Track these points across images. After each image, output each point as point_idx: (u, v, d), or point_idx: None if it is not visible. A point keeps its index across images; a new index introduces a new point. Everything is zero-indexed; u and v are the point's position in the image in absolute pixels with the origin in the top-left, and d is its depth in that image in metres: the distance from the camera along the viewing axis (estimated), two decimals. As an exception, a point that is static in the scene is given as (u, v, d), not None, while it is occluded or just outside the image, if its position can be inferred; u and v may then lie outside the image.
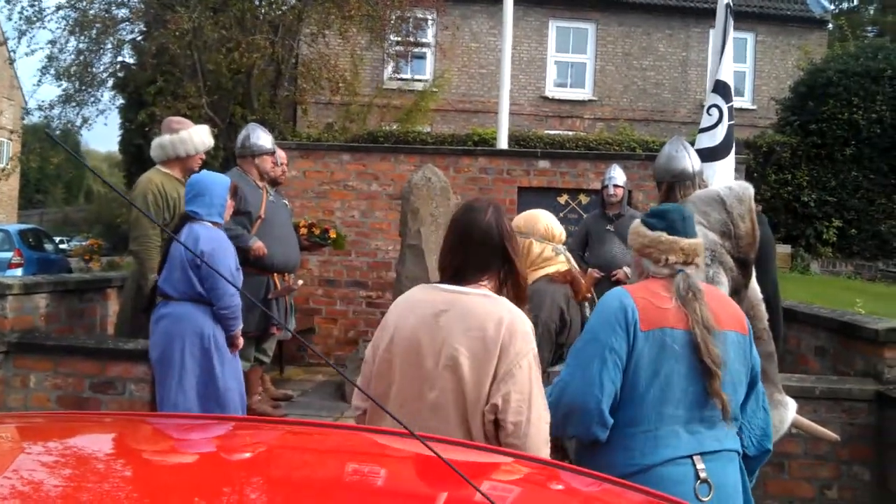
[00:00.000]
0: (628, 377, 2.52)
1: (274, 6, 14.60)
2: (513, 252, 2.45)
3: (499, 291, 2.43)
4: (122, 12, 15.24)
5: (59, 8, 14.74)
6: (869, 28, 30.32)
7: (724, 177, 4.99)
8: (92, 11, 14.57)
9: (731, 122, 5.24)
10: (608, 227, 6.61)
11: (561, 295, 3.64)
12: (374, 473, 1.67)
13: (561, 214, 7.65)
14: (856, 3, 34.47)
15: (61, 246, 22.76)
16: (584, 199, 8.13)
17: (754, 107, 21.09)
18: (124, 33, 15.85)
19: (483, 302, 2.35)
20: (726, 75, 5.32)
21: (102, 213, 36.45)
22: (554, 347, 3.50)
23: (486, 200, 2.55)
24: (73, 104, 15.39)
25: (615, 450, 2.51)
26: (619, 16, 21.37)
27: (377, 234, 8.17)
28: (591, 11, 21.22)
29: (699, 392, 2.50)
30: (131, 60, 17.13)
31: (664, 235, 2.67)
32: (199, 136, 5.52)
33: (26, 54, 15.28)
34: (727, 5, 5.42)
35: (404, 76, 17.95)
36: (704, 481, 2.46)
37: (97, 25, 14.51)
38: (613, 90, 21.42)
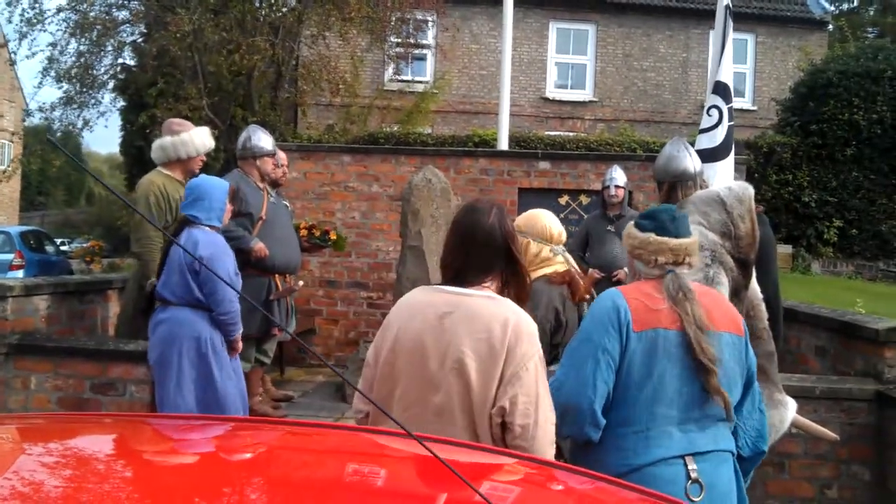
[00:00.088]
0: (621, 378, 2.52)
1: (274, 8, 14.62)
2: (516, 253, 2.45)
3: (501, 292, 2.42)
4: (123, 14, 15.28)
5: (59, 10, 14.78)
6: (869, 29, 30.30)
7: (724, 177, 4.99)
8: (92, 13, 14.60)
9: (731, 123, 5.24)
10: (609, 228, 6.61)
11: (557, 295, 3.65)
12: (373, 474, 1.67)
13: (562, 215, 7.64)
14: (856, 4, 34.44)
15: (62, 248, 22.76)
16: (584, 199, 8.13)
17: (755, 108, 21.09)
18: (125, 35, 15.88)
19: (488, 304, 2.34)
20: (726, 76, 5.33)
21: (103, 215, 36.46)
22: (549, 348, 3.51)
23: (488, 201, 2.54)
24: (74, 106, 15.40)
25: (608, 450, 2.52)
26: (620, 17, 21.38)
27: (378, 235, 8.17)
28: (592, 13, 21.23)
29: (692, 392, 2.51)
30: (132, 62, 17.15)
31: (653, 236, 2.68)
32: (199, 138, 5.52)
33: (27, 56, 15.36)
34: (727, 7, 5.43)
35: (405, 78, 17.96)
36: (696, 481, 2.46)
37: (98, 27, 14.53)
38: (614, 91, 21.42)
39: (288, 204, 6.30)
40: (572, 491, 1.72)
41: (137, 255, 5.31)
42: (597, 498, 1.69)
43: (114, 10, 15.05)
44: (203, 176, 4.76)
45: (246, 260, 5.40)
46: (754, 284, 3.72)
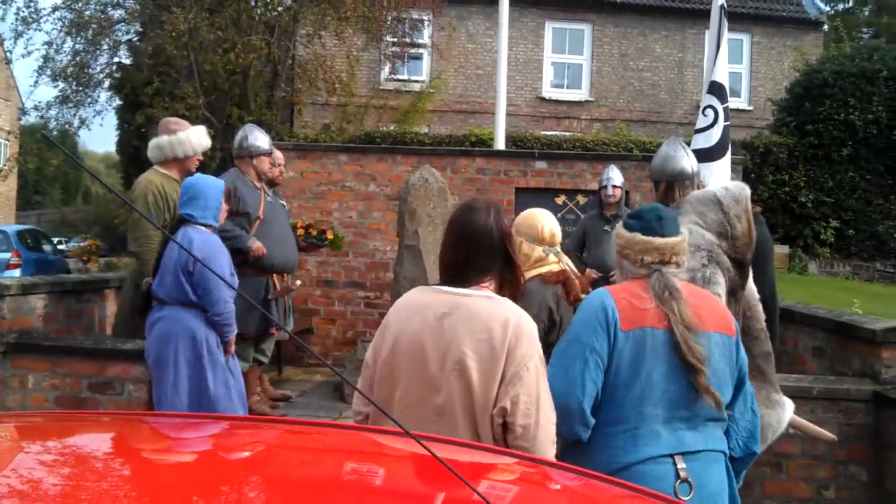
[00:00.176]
0: (609, 377, 2.53)
1: (270, 7, 14.60)
2: (512, 252, 2.45)
3: (499, 292, 2.42)
4: (118, 13, 15.23)
5: (55, 9, 14.74)
6: (864, 29, 30.34)
7: (720, 177, 5.00)
8: (88, 12, 14.57)
9: (727, 123, 5.26)
10: (605, 228, 6.62)
11: (550, 295, 3.67)
12: (372, 473, 1.67)
13: (558, 215, 7.62)
14: (851, 4, 34.48)
15: (59, 247, 22.72)
16: (581, 199, 8.14)
17: (751, 108, 21.11)
18: (120, 34, 15.85)
19: (487, 304, 2.34)
20: (721, 76, 5.34)
21: (100, 214, 36.39)
22: (544, 347, 3.52)
23: (484, 200, 2.55)
24: (70, 105, 15.38)
25: (597, 449, 2.52)
26: (615, 17, 21.38)
27: (375, 234, 8.17)
28: (588, 13, 21.23)
29: (680, 391, 2.51)
30: (128, 61, 17.11)
31: (639, 236, 2.68)
32: (196, 137, 5.52)
33: (23, 55, 15.31)
34: (721, 7, 5.44)
35: (401, 77, 17.95)
36: (685, 480, 2.46)
37: (93, 26, 14.50)
38: (610, 91, 21.43)
39: (285, 203, 6.30)
40: (569, 490, 1.72)
41: (136, 255, 5.30)
42: (589, 495, 1.70)
43: (109, 8, 14.99)
44: (198, 175, 4.75)
45: (244, 259, 5.40)
46: (751, 285, 3.73)
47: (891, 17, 29.90)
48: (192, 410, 4.19)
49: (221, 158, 13.71)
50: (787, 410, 3.65)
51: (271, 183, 5.94)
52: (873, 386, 4.60)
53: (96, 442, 1.75)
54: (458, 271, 2.41)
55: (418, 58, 19.99)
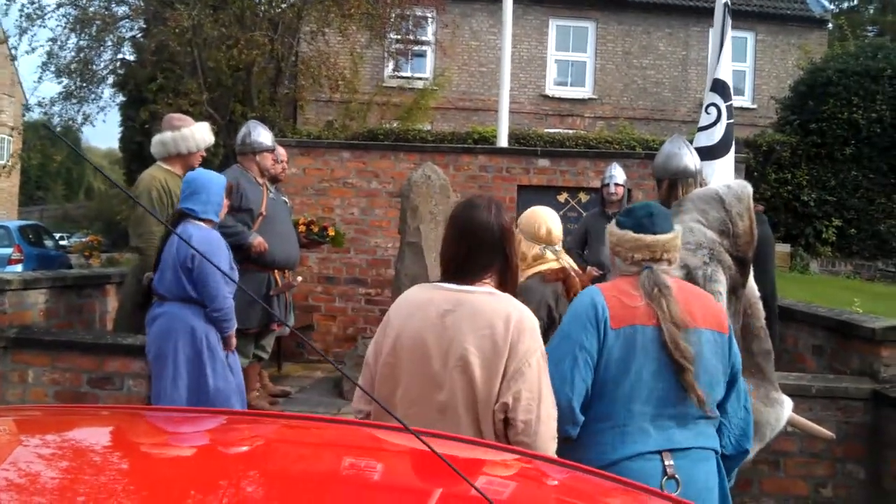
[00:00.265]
0: (599, 374, 2.54)
1: (274, 4, 14.60)
2: (510, 248, 2.45)
3: (499, 288, 2.43)
4: (122, 9, 15.25)
5: (59, 5, 14.76)
6: (869, 27, 30.30)
7: (723, 175, 5.00)
8: (92, 9, 14.60)
9: (730, 121, 5.25)
10: (607, 226, 6.60)
11: (550, 293, 3.68)
12: (370, 468, 1.67)
13: (561, 213, 7.61)
14: (856, 2, 34.43)
15: (61, 242, 22.73)
16: (583, 197, 8.13)
17: (754, 106, 21.09)
18: (124, 30, 15.88)
19: (489, 300, 2.34)
20: (725, 74, 5.33)
21: (102, 210, 36.41)
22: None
23: (485, 197, 2.55)
24: (74, 101, 15.40)
25: (585, 445, 2.53)
26: (619, 14, 21.36)
27: (377, 231, 8.17)
28: (591, 10, 21.21)
29: (669, 389, 2.52)
30: (131, 58, 17.13)
31: (629, 233, 2.70)
32: (200, 134, 5.53)
33: (27, 52, 15.32)
34: (725, 4, 5.43)
35: (404, 74, 17.96)
36: (672, 477, 2.47)
37: (97, 22, 14.53)
38: (613, 89, 21.42)
39: (287, 200, 6.30)
40: (564, 484, 1.73)
41: (139, 250, 5.31)
42: (581, 489, 1.70)
43: (113, 5, 15.03)
44: (200, 169, 4.76)
45: (246, 255, 5.40)
46: (752, 283, 3.73)
47: None
48: (192, 406, 4.20)
49: (224, 155, 13.69)
50: (785, 408, 3.65)
51: (274, 179, 5.94)
52: (872, 384, 4.61)
53: (95, 436, 1.76)
54: (459, 267, 2.42)
55: (422, 55, 20.01)
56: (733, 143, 5.35)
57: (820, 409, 4.52)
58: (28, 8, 14.70)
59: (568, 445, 2.53)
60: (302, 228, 6.41)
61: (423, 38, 18.08)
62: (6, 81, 33.78)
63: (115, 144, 28.77)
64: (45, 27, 14.97)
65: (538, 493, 1.68)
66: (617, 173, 6.78)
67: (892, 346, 4.65)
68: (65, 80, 15.12)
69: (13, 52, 15.63)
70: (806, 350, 5.60)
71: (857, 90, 15.63)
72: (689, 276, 3.42)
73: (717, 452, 2.62)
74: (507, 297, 2.38)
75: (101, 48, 15.24)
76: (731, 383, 2.67)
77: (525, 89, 20.92)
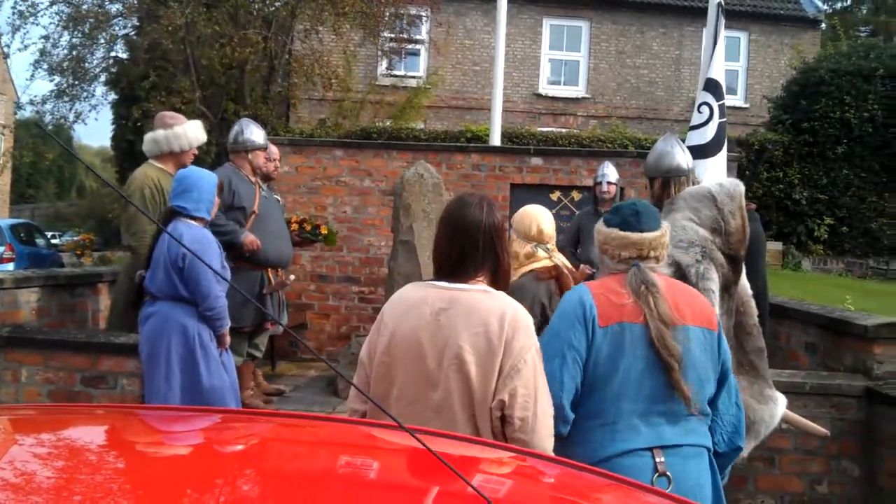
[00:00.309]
0: (588, 372, 2.55)
1: (268, 2, 14.58)
2: (501, 246, 2.45)
3: (492, 286, 2.43)
4: (116, 7, 15.21)
5: (52, 3, 14.71)
6: (861, 28, 30.38)
7: (715, 174, 5.01)
8: (85, 6, 14.55)
9: (722, 120, 5.26)
10: (600, 224, 6.61)
11: (543, 290, 3.69)
12: (365, 466, 1.67)
13: (553, 211, 7.62)
14: (849, 2, 34.51)
15: (53, 241, 22.65)
16: (576, 195, 8.14)
17: (747, 105, 21.14)
18: (117, 28, 15.82)
19: (483, 298, 2.34)
20: (717, 73, 5.35)
21: (94, 208, 36.27)
22: None
23: (477, 195, 2.55)
24: (66, 99, 15.35)
25: (576, 443, 2.53)
26: (613, 14, 21.39)
27: (369, 229, 8.17)
28: (585, 9, 21.23)
29: (659, 386, 2.52)
30: (124, 56, 17.09)
31: (616, 231, 2.71)
32: (192, 132, 5.51)
33: (19, 49, 15.29)
34: (718, 4, 5.45)
35: (398, 73, 17.95)
36: (663, 474, 2.47)
37: (90, 20, 14.47)
38: (607, 88, 21.44)
39: (279, 198, 6.29)
40: (561, 482, 1.73)
41: (131, 249, 5.29)
42: (575, 485, 1.70)
43: (106, 2, 14.99)
44: (191, 167, 4.74)
45: (239, 254, 5.40)
46: (744, 281, 3.74)
47: (889, 16, 29.94)
48: (186, 404, 4.18)
49: (217, 153, 13.68)
50: (779, 406, 3.66)
51: (266, 178, 5.94)
52: (865, 381, 4.62)
53: (90, 435, 1.75)
54: (452, 266, 2.41)
55: (415, 54, 20.01)
56: (725, 141, 5.37)
57: (814, 406, 4.53)
58: (21, 5, 14.66)
59: (559, 443, 2.53)
60: (294, 227, 6.41)
61: (417, 37, 18.08)
62: (-3, 79, 33.62)
63: (107, 142, 28.67)
64: (37, 24, 14.87)
65: (534, 490, 1.68)
66: (609, 172, 6.79)
67: (884, 343, 4.67)
68: (57, 78, 15.08)
69: (6, 50, 15.57)
70: (799, 347, 5.61)
71: (850, 90, 15.70)
72: (682, 273, 3.43)
73: (709, 450, 2.62)
74: (501, 295, 2.38)
75: (94, 46, 15.19)
76: (722, 380, 2.68)
77: (518, 88, 20.94)
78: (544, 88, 21.39)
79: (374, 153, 8.35)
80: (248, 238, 5.42)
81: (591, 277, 5.24)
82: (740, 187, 3.67)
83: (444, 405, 2.28)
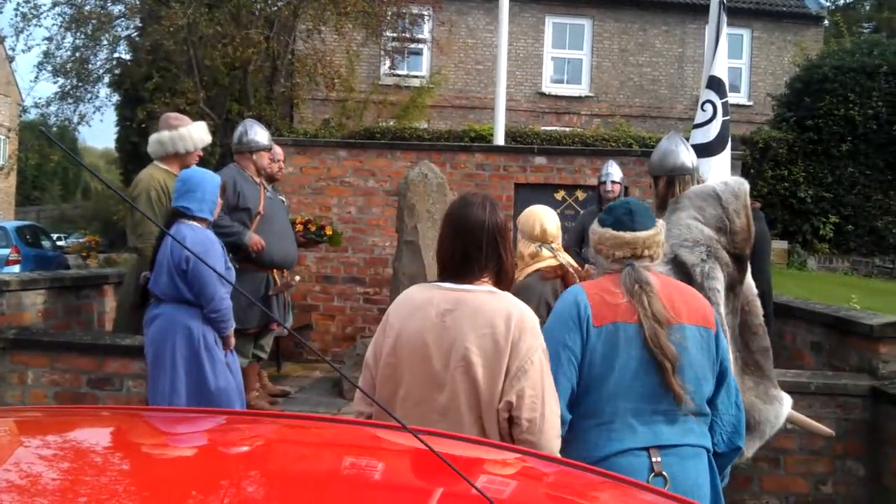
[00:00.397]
0: (584, 372, 2.55)
1: (270, 1, 14.58)
2: (505, 246, 2.45)
3: (496, 286, 2.43)
4: (118, 8, 15.23)
5: (55, 4, 14.74)
6: (865, 24, 30.31)
7: (719, 172, 5.01)
8: (87, 7, 14.57)
9: (726, 118, 5.26)
10: (604, 224, 6.60)
11: (549, 290, 3.69)
12: (370, 468, 1.67)
13: (558, 211, 7.64)
14: (852, -1, 34.47)
15: (59, 243, 22.72)
16: (580, 195, 8.13)
17: (750, 103, 21.10)
18: (120, 29, 15.85)
19: (489, 299, 2.34)
20: (720, 71, 5.34)
21: (100, 210, 36.38)
22: None
23: (480, 195, 2.54)
24: (70, 101, 15.38)
25: (573, 443, 2.53)
26: (616, 12, 21.37)
27: (374, 230, 8.17)
28: (588, 8, 21.21)
29: (655, 385, 2.52)
30: (127, 57, 17.12)
31: (610, 231, 2.71)
32: (197, 133, 5.52)
33: (23, 50, 15.32)
34: (720, 1, 5.44)
35: (401, 72, 17.95)
36: (659, 474, 2.47)
37: (93, 21, 14.50)
38: (610, 86, 21.42)
39: (284, 199, 6.30)
40: (564, 483, 1.73)
41: (138, 251, 5.30)
42: (577, 485, 1.70)
43: (109, 3, 15.01)
44: (194, 168, 4.73)
45: (245, 255, 5.40)
46: (749, 280, 3.73)
47: (892, 12, 29.88)
48: (192, 405, 4.18)
49: (221, 154, 13.71)
50: (784, 405, 3.65)
51: (270, 178, 5.94)
52: (871, 381, 4.61)
53: (95, 437, 1.76)
54: (456, 266, 2.41)
55: (418, 53, 20.00)
56: (729, 139, 5.36)
57: (819, 406, 4.53)
58: (24, 7, 14.69)
59: None
60: (299, 228, 6.41)
61: (420, 36, 18.09)
62: (1, 81, 33.68)
63: (112, 144, 28.80)
64: (40, 26, 14.91)
65: (538, 491, 1.68)
66: (613, 171, 6.78)
67: (890, 342, 4.66)
68: (61, 80, 15.11)
69: (10, 53, 15.60)
70: (804, 347, 5.60)
71: (854, 87, 15.66)
72: (687, 273, 3.42)
73: (708, 450, 2.61)
74: (507, 296, 2.38)
75: (97, 47, 15.23)
76: (721, 380, 2.67)
77: (522, 87, 20.92)
78: (547, 87, 21.37)
79: (377, 153, 8.35)
80: (253, 239, 5.43)
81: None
82: (745, 186, 3.66)
83: (450, 407, 2.28)
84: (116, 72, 17.12)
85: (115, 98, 19.67)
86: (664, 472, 2.47)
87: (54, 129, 16.03)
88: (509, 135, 13.12)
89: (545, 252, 3.85)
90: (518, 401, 2.24)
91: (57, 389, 5.16)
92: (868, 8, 33.51)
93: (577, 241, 6.73)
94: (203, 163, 5.82)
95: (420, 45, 19.08)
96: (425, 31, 18.53)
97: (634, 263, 2.65)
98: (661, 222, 2.80)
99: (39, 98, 15.46)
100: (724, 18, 5.47)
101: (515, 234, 3.72)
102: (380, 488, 1.53)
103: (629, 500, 1.67)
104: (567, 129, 18.59)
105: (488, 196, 2.54)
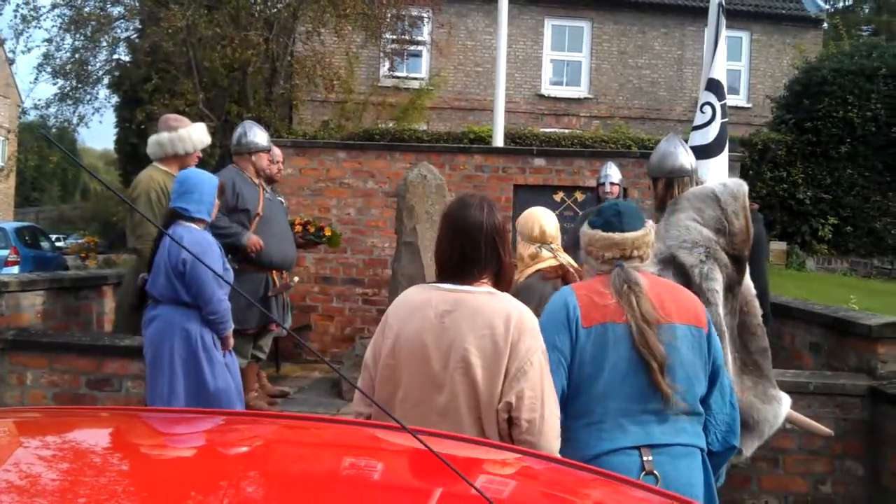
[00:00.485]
0: (574, 373, 2.56)
1: (269, 3, 14.59)
2: (503, 247, 2.45)
3: (495, 286, 2.43)
4: (117, 10, 15.23)
5: (54, 6, 14.74)
6: (864, 27, 30.33)
7: (717, 174, 5.02)
8: (87, 9, 14.57)
9: (724, 120, 5.27)
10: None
11: (550, 290, 3.69)
12: (369, 468, 1.67)
13: (557, 212, 7.61)
14: (850, 2, 34.46)
15: (58, 244, 22.72)
16: (579, 196, 8.13)
17: (750, 105, 21.12)
18: (119, 31, 15.86)
19: (489, 300, 2.34)
20: (719, 73, 5.35)
21: (98, 211, 36.33)
22: None
23: (477, 196, 2.54)
24: (70, 102, 15.38)
25: (564, 443, 2.53)
26: (615, 14, 21.38)
27: (373, 231, 8.17)
28: (587, 10, 21.22)
29: (645, 385, 2.53)
30: (126, 58, 17.12)
31: (599, 233, 2.73)
32: (197, 134, 5.52)
33: (22, 52, 15.29)
34: (719, 4, 5.45)
35: (400, 74, 17.95)
36: (650, 473, 2.47)
37: (92, 23, 14.50)
38: (609, 88, 21.43)
39: (283, 200, 6.30)
40: (562, 482, 1.73)
41: (137, 252, 5.30)
42: (563, 481, 1.71)
43: (108, 5, 15.01)
44: (191, 169, 4.73)
45: (244, 256, 5.40)
46: (748, 281, 3.73)
47: (891, 15, 29.90)
48: (191, 406, 4.18)
49: (220, 155, 13.71)
50: (783, 405, 3.65)
51: (269, 180, 5.94)
52: (869, 381, 4.62)
53: (95, 437, 1.76)
54: (454, 267, 2.41)
55: (417, 55, 20.01)
56: (727, 142, 5.37)
57: (818, 406, 4.53)
58: (23, 9, 14.70)
59: None
60: (298, 229, 6.41)
61: (419, 38, 18.09)
62: (1, 83, 33.66)
63: (111, 145, 28.79)
64: (40, 28, 14.90)
65: (537, 491, 1.68)
66: (612, 172, 6.79)
67: (888, 342, 4.66)
68: (60, 81, 15.11)
69: (11, 55, 15.60)
70: (803, 347, 5.61)
71: (852, 89, 15.67)
72: (685, 274, 3.43)
73: (702, 450, 2.61)
74: (506, 297, 2.38)
75: (97, 49, 15.22)
76: (714, 379, 2.67)
77: (521, 89, 20.93)
78: (546, 89, 21.38)
79: (377, 155, 8.36)
80: (251, 239, 5.43)
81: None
82: (744, 187, 3.67)
83: (449, 408, 2.28)
84: (116, 73, 17.12)
85: (115, 99, 19.68)
86: (655, 472, 2.47)
87: (53, 130, 16.04)
88: (508, 136, 13.12)
89: (545, 253, 3.86)
90: (517, 402, 2.24)
91: (56, 390, 5.16)
92: (867, 11, 33.54)
93: (576, 242, 6.71)
94: (202, 164, 5.83)
95: (419, 47, 19.09)
96: (425, 33, 18.53)
97: (624, 264, 2.67)
98: (650, 223, 2.81)
99: (39, 99, 15.52)
100: (724, 21, 5.48)
101: (514, 235, 3.72)
102: (379, 489, 1.53)
103: (623, 498, 1.67)
104: (566, 130, 18.59)
105: (486, 197, 2.54)
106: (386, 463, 1.73)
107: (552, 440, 2.29)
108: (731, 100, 5.58)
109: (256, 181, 5.72)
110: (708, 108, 5.26)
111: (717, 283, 3.47)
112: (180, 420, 2.06)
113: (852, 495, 4.58)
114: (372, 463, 1.71)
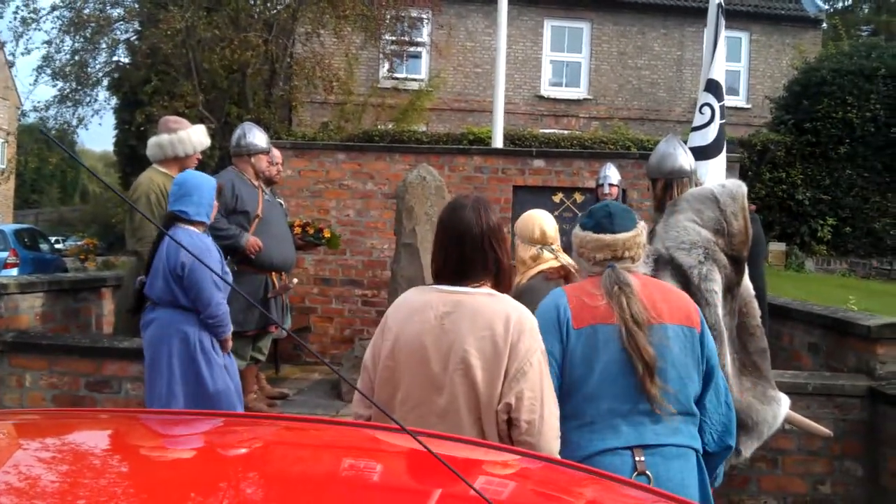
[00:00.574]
0: (565, 375, 2.56)
1: (268, 5, 14.59)
2: (500, 247, 2.45)
3: (495, 287, 2.43)
4: (117, 12, 15.23)
5: (54, 8, 14.75)
6: (863, 27, 30.34)
7: (716, 175, 5.02)
8: (86, 11, 14.56)
9: (723, 121, 5.27)
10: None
11: None
12: (369, 469, 1.67)
13: (556, 213, 7.64)
14: (850, 2, 34.49)
15: (57, 246, 22.71)
16: (578, 197, 8.13)
17: (749, 105, 21.12)
18: (119, 33, 15.85)
19: (488, 301, 2.34)
20: (718, 74, 5.35)
21: (98, 213, 36.30)
22: None
23: (472, 197, 2.54)
24: (69, 104, 15.38)
25: None
26: (614, 15, 21.39)
27: (372, 232, 8.17)
28: (586, 11, 21.23)
29: (636, 385, 2.52)
30: (126, 60, 17.12)
31: (590, 234, 2.74)
32: (196, 136, 5.52)
33: (22, 54, 15.28)
34: (718, 5, 5.46)
35: (399, 75, 17.95)
36: (642, 473, 2.47)
37: (91, 25, 14.50)
38: (608, 89, 21.44)
39: (282, 202, 6.30)
40: (560, 483, 1.73)
41: (137, 254, 5.29)
42: (558, 480, 1.71)
43: (108, 7, 15.01)
44: (189, 171, 4.72)
45: (244, 257, 5.40)
46: (747, 281, 3.74)
47: (890, 15, 29.93)
48: (190, 408, 4.17)
49: (220, 157, 13.70)
50: (782, 406, 3.65)
51: (269, 181, 5.94)
52: (868, 382, 4.62)
53: (94, 439, 1.76)
54: (451, 269, 2.41)
55: (417, 56, 20.01)
56: (725, 143, 5.37)
57: (817, 407, 4.53)
58: (23, 11, 14.70)
59: None
60: (298, 230, 6.41)
61: (419, 40, 18.10)
62: (0, 85, 33.64)
63: (110, 147, 28.80)
64: (40, 30, 14.90)
65: (536, 492, 1.68)
66: (611, 173, 6.79)
67: (887, 343, 4.66)
68: (60, 83, 15.12)
69: (10, 58, 15.61)
70: (802, 348, 5.61)
71: (852, 90, 15.68)
72: (685, 275, 3.43)
73: (696, 451, 2.61)
74: (505, 298, 2.38)
75: (96, 51, 15.22)
76: (708, 379, 2.67)
77: (520, 90, 20.94)
78: (546, 90, 21.39)
79: (376, 156, 8.36)
80: (250, 241, 5.43)
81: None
82: (743, 188, 3.67)
83: (449, 409, 2.28)
84: (115, 75, 17.12)
85: (114, 101, 19.69)
86: (648, 472, 2.47)
87: (53, 132, 16.03)
88: (508, 137, 13.12)
89: (546, 254, 3.86)
90: (517, 402, 2.25)
91: (55, 392, 5.16)
92: (866, 11, 33.56)
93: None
94: (202, 166, 5.83)
95: (419, 49, 19.10)
96: (424, 35, 18.54)
97: (615, 265, 2.67)
98: (642, 223, 2.81)
99: (38, 101, 15.51)
100: (723, 22, 5.48)
101: (513, 238, 3.73)
102: (378, 490, 1.53)
103: (620, 498, 1.67)
104: (565, 131, 18.59)
105: (480, 197, 2.54)
106: (385, 464, 1.73)
107: (552, 441, 2.29)
108: (730, 100, 5.59)
109: (256, 183, 5.72)
110: (707, 109, 5.26)
111: (716, 284, 3.47)
112: (179, 422, 2.06)
113: (851, 496, 4.58)
114: (371, 464, 1.71)
